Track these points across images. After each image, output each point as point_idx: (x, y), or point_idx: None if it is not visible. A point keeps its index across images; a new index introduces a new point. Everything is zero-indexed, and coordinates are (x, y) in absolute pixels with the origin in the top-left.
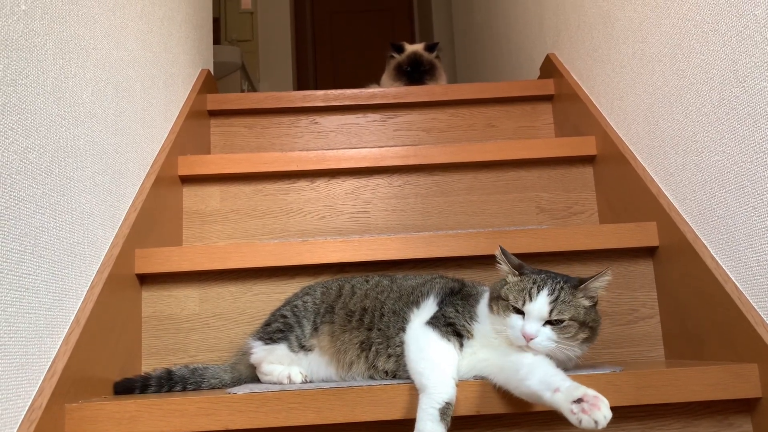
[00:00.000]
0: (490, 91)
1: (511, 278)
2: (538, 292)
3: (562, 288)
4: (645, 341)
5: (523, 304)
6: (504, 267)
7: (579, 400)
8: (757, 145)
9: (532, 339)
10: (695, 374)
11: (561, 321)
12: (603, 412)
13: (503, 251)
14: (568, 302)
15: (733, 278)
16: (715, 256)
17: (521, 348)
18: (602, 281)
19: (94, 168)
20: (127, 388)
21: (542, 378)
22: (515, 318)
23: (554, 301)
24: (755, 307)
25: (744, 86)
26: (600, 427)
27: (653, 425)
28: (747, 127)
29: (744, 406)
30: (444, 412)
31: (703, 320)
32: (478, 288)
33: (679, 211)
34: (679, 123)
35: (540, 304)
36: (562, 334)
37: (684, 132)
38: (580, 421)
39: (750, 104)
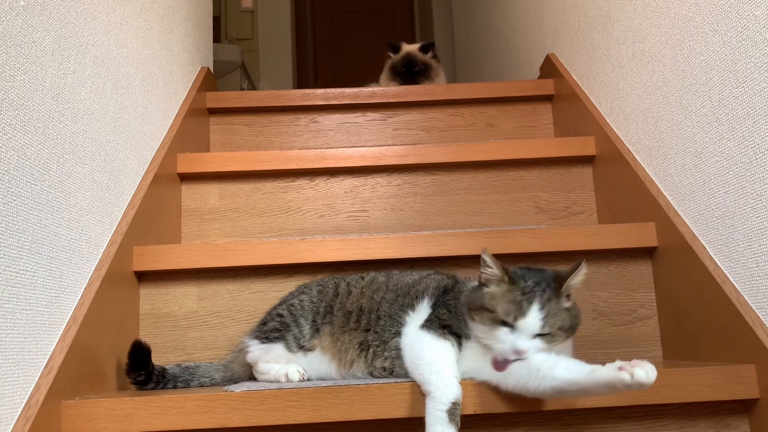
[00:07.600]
0: (490, 91)
1: (494, 287)
2: (529, 306)
3: (549, 299)
4: (643, 342)
5: (514, 320)
6: (495, 272)
7: (621, 368)
8: (757, 146)
9: (524, 354)
10: (693, 375)
11: (549, 332)
12: (649, 368)
13: (490, 255)
14: (556, 313)
15: (731, 279)
16: (713, 256)
17: (507, 361)
18: (579, 277)
19: (92, 165)
20: (142, 354)
21: (569, 366)
22: (504, 331)
23: (546, 316)
24: (753, 308)
25: (744, 87)
26: (651, 379)
27: (651, 425)
28: (746, 127)
29: (741, 407)
30: (452, 412)
31: (701, 321)
32: (470, 284)
33: (678, 211)
34: (679, 123)
35: (532, 320)
36: (550, 342)
37: (683, 132)
38: (633, 375)
39: (749, 105)
